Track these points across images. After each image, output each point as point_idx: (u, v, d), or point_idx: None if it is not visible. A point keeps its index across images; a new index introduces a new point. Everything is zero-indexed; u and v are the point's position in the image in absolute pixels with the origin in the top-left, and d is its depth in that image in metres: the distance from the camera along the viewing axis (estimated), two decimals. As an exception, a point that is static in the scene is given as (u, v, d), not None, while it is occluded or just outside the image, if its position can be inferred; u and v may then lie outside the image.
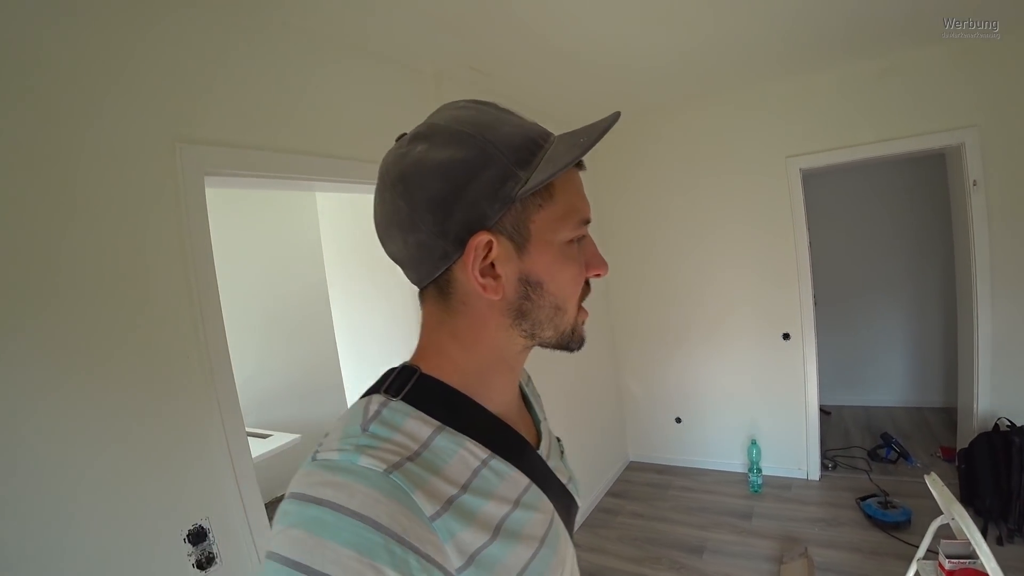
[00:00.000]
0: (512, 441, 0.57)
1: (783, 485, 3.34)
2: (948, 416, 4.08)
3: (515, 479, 0.54)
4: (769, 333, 3.39)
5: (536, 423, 0.67)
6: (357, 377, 2.70)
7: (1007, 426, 2.81)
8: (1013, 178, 2.76)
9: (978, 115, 2.77)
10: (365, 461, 0.44)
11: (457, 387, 0.54)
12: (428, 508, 0.44)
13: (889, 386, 4.48)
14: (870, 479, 3.25)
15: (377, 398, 0.51)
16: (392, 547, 0.41)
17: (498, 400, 0.58)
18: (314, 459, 0.46)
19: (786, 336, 3.35)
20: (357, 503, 0.41)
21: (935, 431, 3.87)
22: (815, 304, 3.34)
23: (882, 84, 2.91)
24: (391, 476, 0.44)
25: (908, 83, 2.87)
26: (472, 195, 0.48)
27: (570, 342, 0.57)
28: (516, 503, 0.52)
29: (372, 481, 0.43)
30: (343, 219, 2.61)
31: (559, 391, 3.06)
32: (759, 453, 3.35)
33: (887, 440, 3.55)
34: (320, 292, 2.97)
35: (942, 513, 1.84)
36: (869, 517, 2.86)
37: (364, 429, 0.48)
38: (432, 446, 0.49)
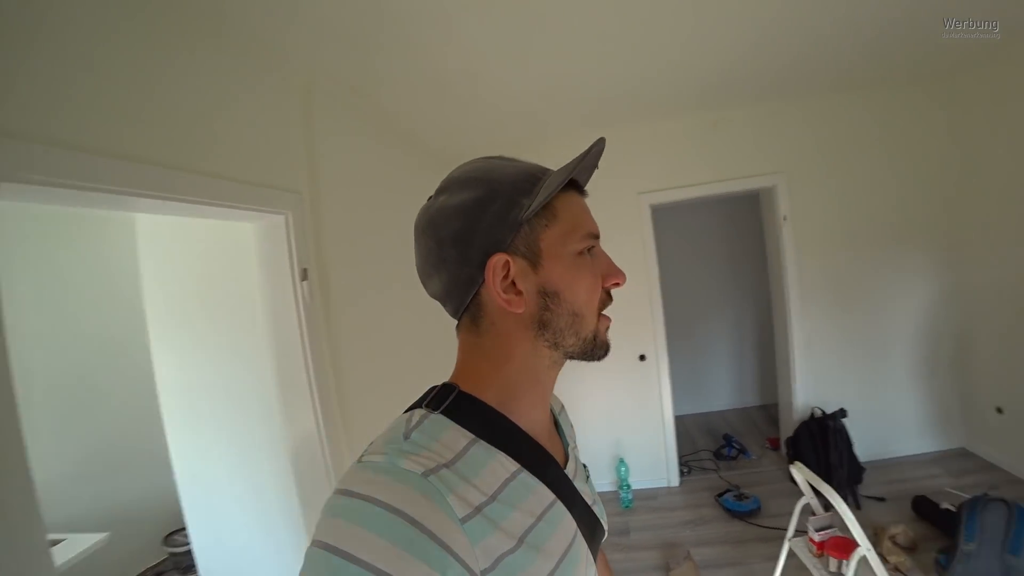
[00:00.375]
0: (540, 458, 0.61)
1: (650, 496, 3.51)
2: (767, 412, 4.73)
3: (541, 493, 0.58)
4: (628, 356, 3.59)
5: (565, 446, 0.72)
6: (191, 443, 2.07)
7: (820, 414, 3.32)
8: (811, 214, 3.43)
9: (785, 163, 3.40)
10: (406, 464, 0.49)
11: (492, 404, 0.59)
12: (460, 510, 0.49)
13: (720, 392, 5.06)
14: (720, 477, 3.58)
15: (419, 411, 0.57)
16: (424, 541, 0.45)
17: (528, 418, 0.62)
18: (360, 461, 0.52)
19: (642, 357, 3.58)
20: (397, 500, 0.46)
21: (760, 426, 4.46)
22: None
23: (715, 133, 3.40)
24: (429, 479, 0.49)
25: (735, 134, 3.40)
26: (485, 225, 0.57)
27: (594, 348, 0.62)
28: (541, 516, 0.56)
29: (411, 482, 0.48)
30: (174, 252, 2.05)
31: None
32: (627, 470, 3.49)
33: (728, 440, 3.96)
34: (136, 342, 2.43)
35: (790, 495, 2.02)
36: (728, 510, 3.13)
37: (406, 437, 0.53)
38: (467, 456, 0.53)
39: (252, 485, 1.98)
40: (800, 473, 2.17)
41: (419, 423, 0.55)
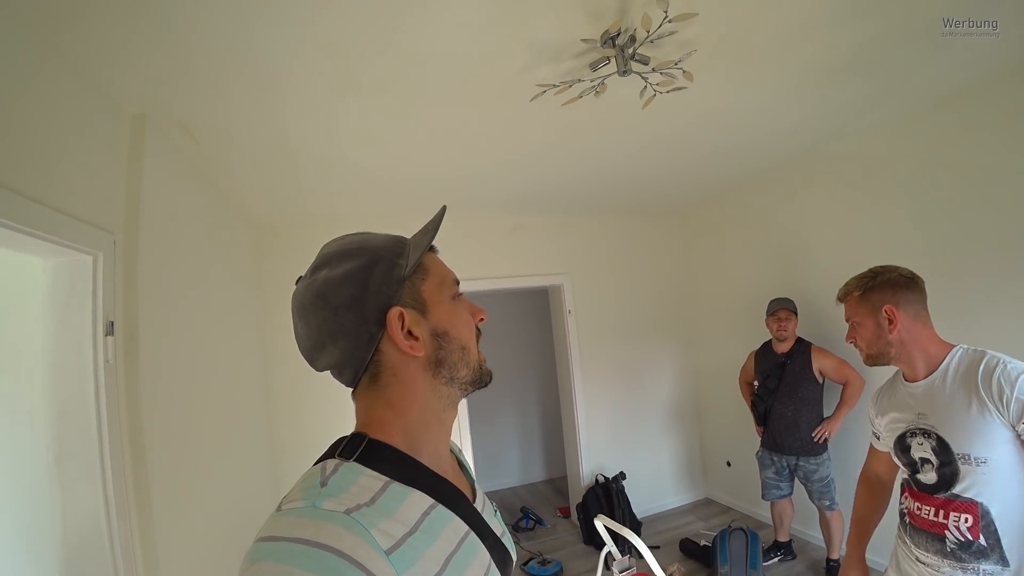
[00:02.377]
0: (451, 493, 0.64)
1: (457, 575, 3.43)
2: (554, 484, 5.10)
3: (456, 525, 0.61)
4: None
5: (471, 482, 0.77)
6: None
7: (604, 479, 3.74)
8: (590, 309, 4.08)
9: (571, 266, 4.04)
10: (328, 504, 0.51)
11: (400, 448, 0.62)
12: (384, 543, 0.50)
13: (511, 470, 5.30)
14: (521, 547, 3.70)
15: (332, 461, 0.58)
16: (353, 572, 0.46)
17: (434, 457, 0.66)
18: (279, 510, 0.52)
19: (445, 435, 3.64)
20: (323, 536, 0.47)
21: (549, 498, 4.76)
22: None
23: (515, 236, 3.91)
24: (352, 515, 0.50)
25: (532, 238, 3.95)
26: (374, 287, 0.63)
27: (480, 376, 0.70)
28: (459, 545, 0.59)
29: (335, 519, 0.49)
30: None
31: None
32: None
33: (525, 512, 4.16)
34: None
35: (585, 555, 2.25)
36: (535, 577, 3.22)
37: (323, 484, 0.54)
38: (384, 495, 0.55)
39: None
40: (602, 522, 2.43)
41: (334, 471, 0.56)
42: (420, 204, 3.27)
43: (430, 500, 0.59)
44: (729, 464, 4.05)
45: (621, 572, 2.37)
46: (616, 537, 2.30)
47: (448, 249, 2.98)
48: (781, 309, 2.99)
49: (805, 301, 3.15)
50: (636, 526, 3.62)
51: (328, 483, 0.54)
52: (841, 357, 2.84)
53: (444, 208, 0.72)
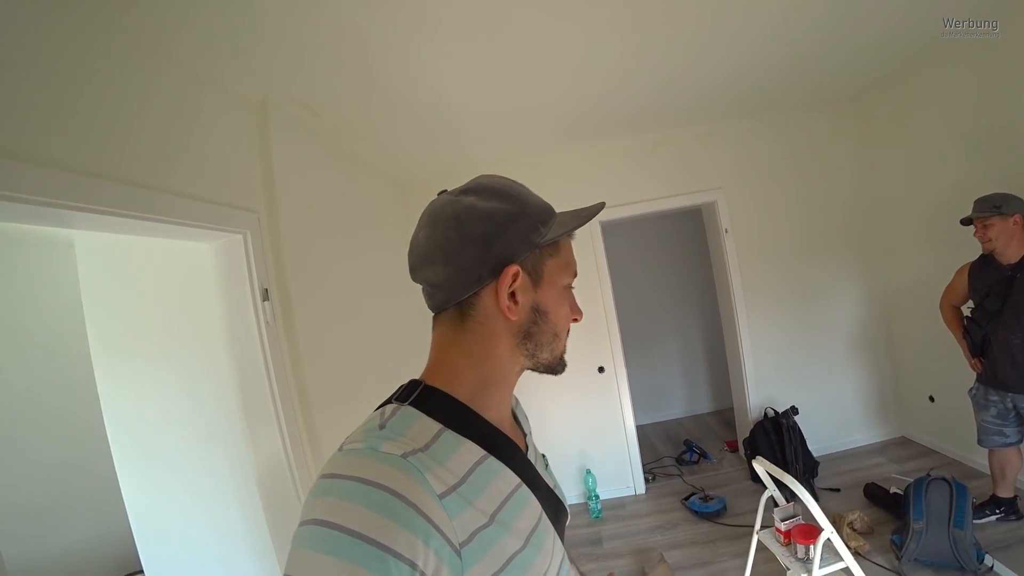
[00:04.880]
0: (504, 445, 0.66)
1: (618, 505, 3.50)
2: (722, 416, 4.85)
3: (507, 477, 0.63)
4: (587, 368, 3.61)
5: (524, 436, 0.78)
6: (147, 484, 1.87)
7: (773, 414, 3.42)
8: (750, 226, 3.61)
9: (724, 180, 3.58)
10: (386, 447, 0.54)
11: (460, 398, 0.64)
12: (437, 487, 0.53)
13: (676, 401, 5.15)
14: (684, 481, 3.62)
15: (391, 406, 0.61)
16: (409, 512, 0.49)
17: (495, 412, 0.68)
18: (341, 450, 0.55)
19: (601, 369, 3.61)
20: (380, 476, 0.50)
21: (716, 431, 4.55)
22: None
23: (656, 155, 3.54)
24: (408, 459, 0.53)
25: (674, 154, 3.56)
26: (509, 236, 0.64)
27: (558, 366, 0.71)
28: (509, 497, 0.61)
29: (392, 462, 0.52)
30: (120, 275, 1.84)
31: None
32: (595, 481, 3.48)
33: (689, 445, 4.02)
34: (80, 377, 2.25)
35: (751, 493, 2.08)
36: (695, 512, 3.15)
37: (382, 427, 0.57)
38: (438, 443, 0.58)
39: (215, 519, 1.85)
40: (762, 466, 2.23)
41: (392, 415, 0.59)
42: (549, 139, 3.14)
43: (481, 451, 0.61)
44: (932, 399, 3.39)
45: (783, 520, 2.16)
46: (780, 481, 2.09)
47: (585, 178, 3.16)
48: (979, 214, 2.34)
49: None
50: (811, 465, 3.28)
51: (387, 426, 0.57)
52: None
53: (602, 204, 0.75)
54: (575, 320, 0.72)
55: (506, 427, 0.70)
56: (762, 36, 2.28)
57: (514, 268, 0.63)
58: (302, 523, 0.49)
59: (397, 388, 0.66)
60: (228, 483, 1.83)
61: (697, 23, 2.05)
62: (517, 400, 0.87)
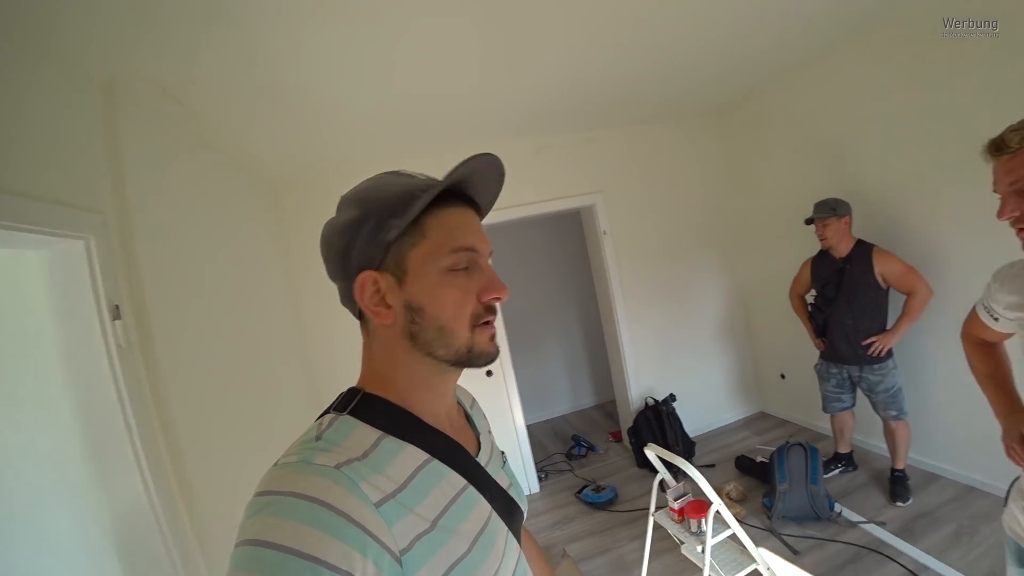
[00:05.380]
0: (448, 448, 0.65)
1: (514, 506, 3.49)
2: (604, 409, 5.09)
3: (452, 480, 0.62)
4: (475, 372, 3.51)
5: (477, 435, 0.76)
6: None
7: (653, 402, 3.66)
8: (627, 228, 3.83)
9: (603, 184, 3.76)
10: (320, 459, 0.52)
11: (395, 402, 0.63)
12: (374, 496, 0.52)
13: (561, 398, 5.31)
14: (575, 475, 3.73)
15: (329, 416, 0.60)
16: (342, 524, 0.48)
17: (432, 413, 0.66)
18: (276, 464, 0.54)
19: (489, 373, 3.59)
20: (312, 489, 0.49)
21: (601, 423, 4.77)
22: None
23: (540, 158, 3.63)
24: (342, 470, 0.52)
25: (557, 158, 3.66)
26: (360, 244, 0.62)
27: (468, 359, 0.64)
28: (453, 500, 0.60)
29: (326, 474, 0.51)
30: None
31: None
32: (490, 483, 3.44)
33: (576, 440, 4.16)
34: None
35: (640, 479, 2.20)
36: (590, 504, 3.25)
37: (318, 438, 0.56)
38: (377, 450, 0.57)
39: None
40: (654, 452, 2.35)
41: (329, 425, 0.58)
42: (434, 139, 3.06)
43: (424, 455, 0.60)
44: (784, 376, 3.89)
45: (676, 499, 2.30)
46: (669, 463, 2.21)
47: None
48: (816, 217, 2.72)
49: (863, 199, 2.85)
50: (689, 446, 3.57)
51: (323, 437, 0.56)
52: (908, 263, 2.56)
53: (482, 157, 0.64)
54: (495, 299, 0.65)
55: (448, 428, 0.68)
56: (641, 55, 2.46)
57: (363, 276, 0.62)
58: (236, 545, 0.48)
59: (336, 397, 0.64)
60: (71, 541, 1.52)
61: (581, 41, 2.15)
62: (474, 400, 0.87)
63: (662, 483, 2.40)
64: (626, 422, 3.91)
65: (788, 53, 2.86)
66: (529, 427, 4.81)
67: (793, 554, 2.47)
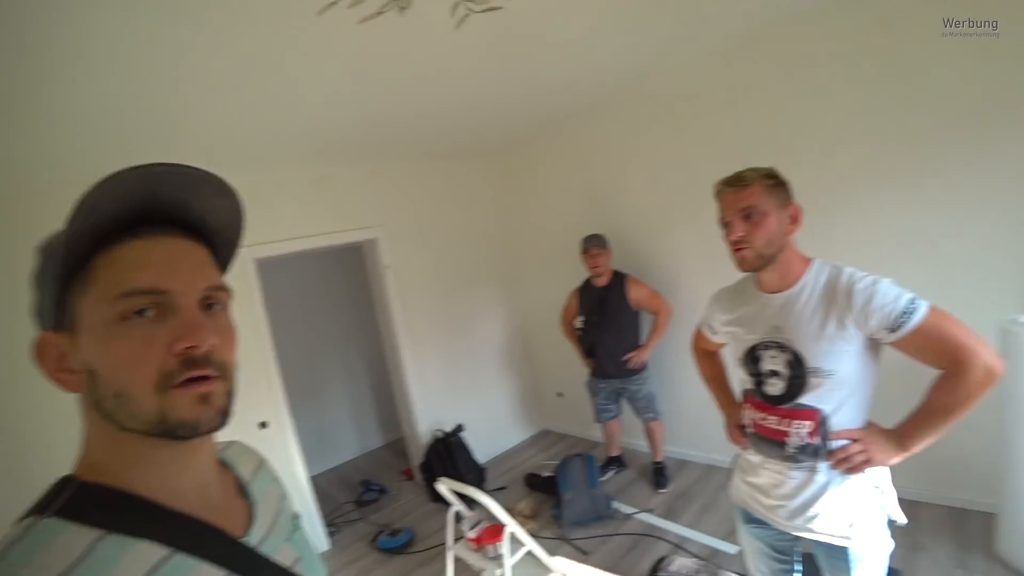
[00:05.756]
0: (198, 533, 0.53)
1: (305, 570, 3.13)
2: (393, 448, 4.94)
3: (206, 572, 0.51)
4: (245, 425, 3.15)
5: (251, 507, 0.63)
6: None
7: (442, 435, 3.71)
8: (408, 261, 3.85)
9: (383, 216, 3.73)
10: None
11: (121, 486, 0.51)
12: None
13: (347, 442, 4.98)
14: (368, 522, 3.51)
15: (26, 521, 0.47)
16: None
17: (171, 492, 0.53)
18: None
19: (263, 424, 3.21)
20: None
21: (390, 462, 4.62)
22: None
23: (318, 189, 3.44)
24: None
25: (336, 190, 3.53)
26: (40, 299, 0.54)
27: (165, 429, 0.50)
28: None
29: None
30: None
31: None
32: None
33: (367, 485, 3.95)
34: None
35: (436, 514, 2.21)
36: (387, 550, 3.11)
37: (2, 558, 0.43)
38: (89, 560, 0.45)
39: None
40: (446, 486, 2.35)
41: (20, 538, 0.45)
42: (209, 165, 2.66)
43: (162, 550, 0.48)
44: (561, 395, 4.30)
45: (472, 528, 2.32)
46: (463, 494, 2.24)
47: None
48: (592, 246, 3.14)
49: (619, 235, 3.34)
50: (480, 473, 3.67)
51: (7, 557, 0.43)
52: (652, 288, 3.10)
53: (116, 176, 0.47)
54: (188, 350, 0.50)
55: (200, 507, 0.55)
56: (419, 93, 2.53)
57: (38, 339, 0.53)
58: None
59: (42, 492, 0.50)
60: None
61: (355, 69, 2.12)
62: (261, 462, 0.74)
63: (458, 515, 2.40)
64: (417, 458, 3.85)
65: (556, 107, 3.30)
66: (313, 479, 4.42)
67: (583, 555, 2.72)
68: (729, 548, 2.53)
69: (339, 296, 5.00)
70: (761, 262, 1.23)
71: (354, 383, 5.10)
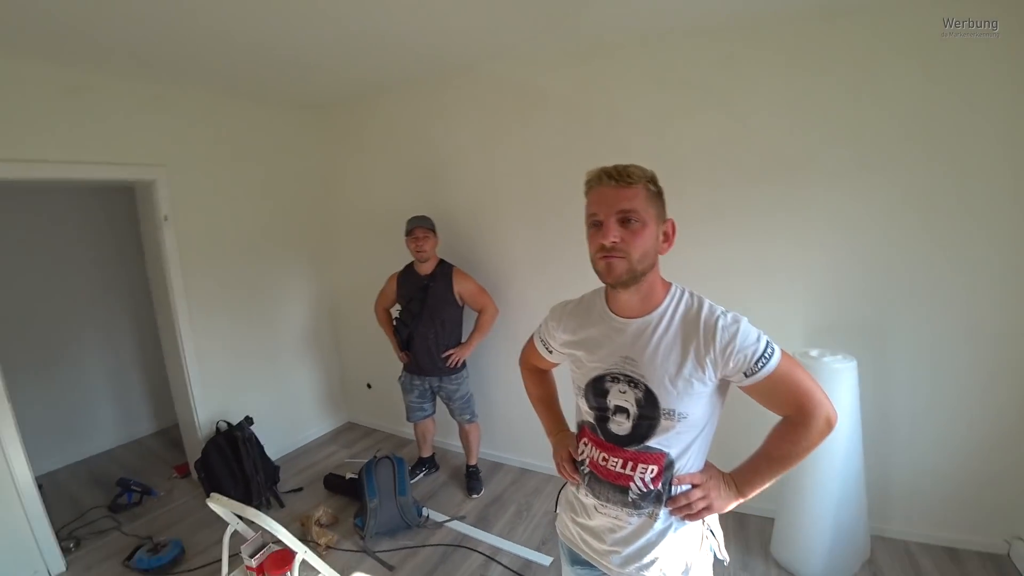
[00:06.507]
0: None
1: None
2: (167, 436, 4.29)
3: None
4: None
5: None
6: None
7: (227, 427, 3.26)
8: (198, 216, 3.22)
9: (167, 156, 3.03)
10: None
11: None
12: None
13: (103, 429, 4.17)
14: (125, 533, 2.96)
15: None
16: None
17: None
18: None
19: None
20: None
21: (162, 455, 3.99)
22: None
23: (73, 100, 2.63)
24: None
25: (103, 109, 2.75)
26: None
27: None
28: None
29: None
30: None
31: None
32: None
33: (125, 485, 3.34)
34: None
35: (216, 523, 1.89)
36: (146, 571, 2.61)
37: None
38: None
39: None
40: (218, 504, 2.00)
41: None
42: None
43: None
44: (370, 386, 4.09)
45: (253, 556, 2.01)
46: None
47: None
48: (418, 228, 2.92)
49: (448, 222, 3.16)
50: (272, 472, 3.30)
51: None
52: (480, 284, 2.99)
53: None
54: None
55: None
56: (228, 13, 2.04)
57: None
58: None
59: None
60: None
61: None
62: None
63: (235, 537, 2.07)
64: (194, 452, 3.32)
65: (394, 68, 2.95)
66: (50, 476, 3.64)
67: (389, 570, 2.53)
68: (543, 560, 2.55)
69: (102, 247, 4.10)
70: (630, 278, 1.07)
71: (117, 356, 4.26)
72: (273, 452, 3.44)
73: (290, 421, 3.82)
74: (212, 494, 2.02)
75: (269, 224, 3.61)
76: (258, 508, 2.96)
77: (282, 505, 3.10)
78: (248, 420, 3.30)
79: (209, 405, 3.34)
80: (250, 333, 3.56)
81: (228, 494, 2.97)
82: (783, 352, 1.08)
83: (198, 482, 3.27)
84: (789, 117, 2.37)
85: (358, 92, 3.44)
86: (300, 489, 3.26)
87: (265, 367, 3.66)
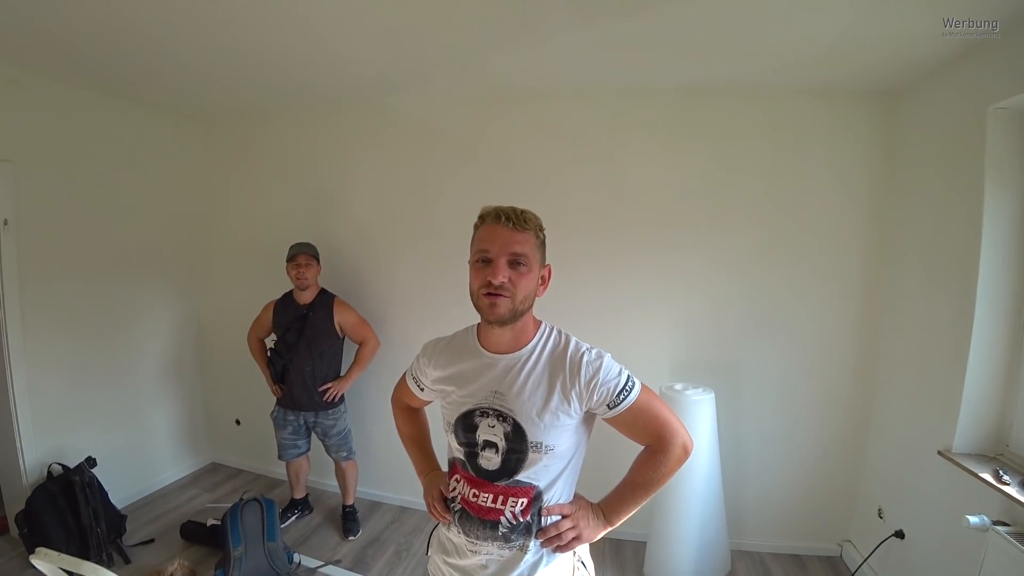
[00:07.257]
0: None
1: None
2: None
3: None
4: None
5: None
6: None
7: (61, 470, 2.89)
8: (43, 221, 2.85)
9: (11, 148, 2.67)
10: None
11: None
12: None
13: None
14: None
15: None
16: None
17: None
18: None
19: None
20: None
21: (-29, 507, 3.33)
22: None
23: None
24: None
25: None
26: None
27: None
28: None
29: None
30: None
31: None
32: None
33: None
34: None
35: None
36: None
37: None
38: None
39: None
40: (44, 560, 1.74)
41: None
42: None
43: None
44: (239, 422, 3.81)
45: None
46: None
47: None
48: (300, 254, 2.85)
49: (331, 250, 3.09)
50: (117, 522, 2.93)
51: None
52: (361, 316, 2.95)
53: None
54: None
55: None
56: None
57: None
58: None
59: None
60: None
61: None
62: None
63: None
64: (16, 504, 2.86)
65: (287, 85, 2.88)
66: None
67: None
68: (425, 602, 2.51)
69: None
70: (510, 316, 1.14)
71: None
72: (120, 499, 3.08)
73: (143, 462, 3.45)
74: (38, 548, 1.77)
75: (135, 239, 3.31)
76: (106, 561, 2.64)
77: (127, 561, 2.76)
78: (90, 462, 2.92)
79: (42, 445, 2.91)
80: (97, 360, 3.18)
81: (60, 549, 2.60)
82: (643, 386, 1.19)
83: (19, 539, 2.82)
84: (663, 175, 2.76)
85: (249, 109, 3.31)
86: (151, 541, 2.92)
87: (114, 400, 3.28)
